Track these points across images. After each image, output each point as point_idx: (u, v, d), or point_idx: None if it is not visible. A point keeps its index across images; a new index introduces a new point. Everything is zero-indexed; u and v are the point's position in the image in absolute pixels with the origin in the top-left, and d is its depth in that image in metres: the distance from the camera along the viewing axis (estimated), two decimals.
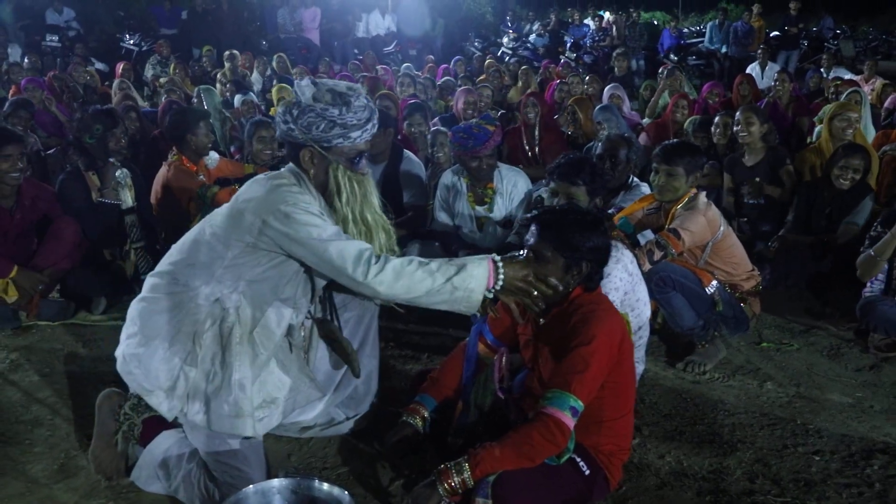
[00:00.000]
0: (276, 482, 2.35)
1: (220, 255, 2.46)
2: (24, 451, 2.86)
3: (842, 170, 4.58)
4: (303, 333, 2.70)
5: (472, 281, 2.33)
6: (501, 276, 2.35)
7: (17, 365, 3.59)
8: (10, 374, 3.50)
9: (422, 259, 2.38)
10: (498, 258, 2.38)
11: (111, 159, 4.27)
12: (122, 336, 2.54)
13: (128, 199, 4.33)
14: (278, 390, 2.52)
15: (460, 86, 8.21)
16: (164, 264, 2.58)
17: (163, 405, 2.44)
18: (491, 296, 2.38)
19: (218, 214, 2.53)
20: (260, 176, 2.54)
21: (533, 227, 2.46)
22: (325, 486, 2.31)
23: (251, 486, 2.32)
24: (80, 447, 2.88)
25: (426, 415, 2.66)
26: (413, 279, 2.32)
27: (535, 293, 2.35)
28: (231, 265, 2.45)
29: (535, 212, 2.55)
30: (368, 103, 2.49)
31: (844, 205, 4.60)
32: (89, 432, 2.85)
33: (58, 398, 3.26)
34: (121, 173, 4.29)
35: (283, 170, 2.56)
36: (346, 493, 2.27)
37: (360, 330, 2.96)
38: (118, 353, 2.53)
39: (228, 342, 2.44)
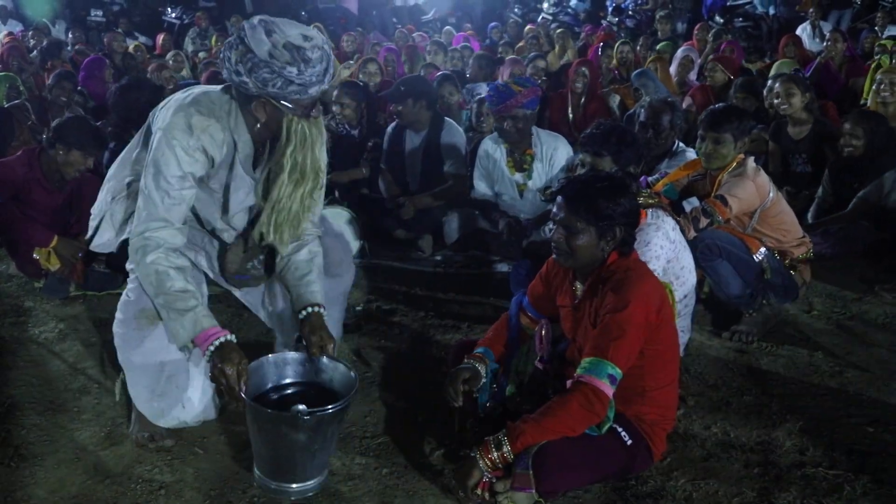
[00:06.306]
0: (290, 354, 2.57)
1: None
2: (73, 419, 2.92)
3: (844, 137, 4.46)
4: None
5: (182, 327, 2.37)
6: (210, 354, 2.35)
7: (65, 334, 3.65)
8: (59, 343, 3.56)
9: (179, 274, 2.40)
10: (227, 338, 2.36)
11: None
12: None
13: None
14: None
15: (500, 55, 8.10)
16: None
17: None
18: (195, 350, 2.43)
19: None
20: (188, 91, 2.49)
21: (559, 201, 2.41)
22: (326, 359, 2.51)
23: (270, 355, 2.56)
24: (127, 415, 2.92)
25: (488, 365, 2.61)
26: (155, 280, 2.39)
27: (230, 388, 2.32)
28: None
29: (561, 182, 2.50)
30: (324, 49, 2.29)
31: (868, 180, 4.41)
32: None
33: (104, 367, 3.31)
34: None
35: (219, 90, 2.45)
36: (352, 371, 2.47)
37: None
38: None
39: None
